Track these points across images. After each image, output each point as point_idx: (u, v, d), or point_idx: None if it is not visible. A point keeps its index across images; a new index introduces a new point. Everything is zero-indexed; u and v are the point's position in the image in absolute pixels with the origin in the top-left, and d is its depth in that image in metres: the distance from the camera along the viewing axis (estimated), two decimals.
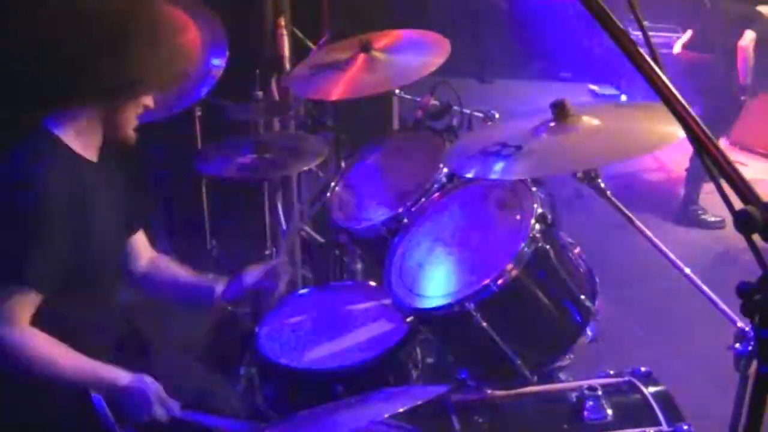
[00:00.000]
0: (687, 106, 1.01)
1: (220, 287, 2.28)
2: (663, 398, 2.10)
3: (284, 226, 3.58)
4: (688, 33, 5.20)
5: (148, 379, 1.93)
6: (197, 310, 2.35)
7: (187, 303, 2.36)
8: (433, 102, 2.90)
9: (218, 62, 3.10)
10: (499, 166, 2.01)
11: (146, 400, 1.90)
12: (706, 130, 1.00)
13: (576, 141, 2.04)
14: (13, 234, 1.82)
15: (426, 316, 2.09)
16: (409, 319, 2.11)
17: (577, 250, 2.23)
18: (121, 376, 1.91)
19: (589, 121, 2.06)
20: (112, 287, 2.13)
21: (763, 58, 5.10)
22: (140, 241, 2.29)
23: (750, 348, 1.80)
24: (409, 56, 2.81)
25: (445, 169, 2.47)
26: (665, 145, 1.90)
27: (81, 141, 1.94)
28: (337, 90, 2.75)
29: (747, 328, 1.84)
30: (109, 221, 2.03)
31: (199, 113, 3.21)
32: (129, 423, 1.93)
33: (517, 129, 2.17)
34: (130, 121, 1.99)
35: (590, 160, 2.07)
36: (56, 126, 1.90)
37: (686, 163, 4.91)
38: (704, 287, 2.06)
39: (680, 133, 1.71)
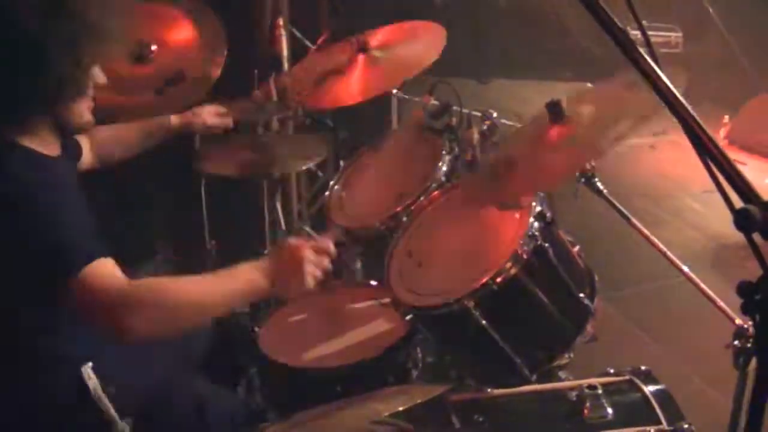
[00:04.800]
0: (687, 105, 1.01)
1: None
2: (663, 397, 2.10)
3: (283, 226, 3.58)
4: None
5: (285, 257, 1.92)
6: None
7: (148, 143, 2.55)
8: (433, 102, 2.91)
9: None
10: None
11: (298, 278, 1.90)
12: (706, 129, 1.01)
13: (578, 136, 2.05)
14: (46, 231, 1.75)
15: (425, 314, 2.09)
16: (408, 318, 2.11)
17: (576, 249, 2.24)
18: (260, 283, 1.87)
19: (584, 112, 2.07)
20: None
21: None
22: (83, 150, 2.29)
23: (748, 345, 1.81)
24: (406, 48, 2.81)
25: (444, 168, 2.47)
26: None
27: (42, 142, 1.88)
28: (342, 97, 2.76)
29: (746, 326, 1.85)
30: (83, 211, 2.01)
31: None
32: (129, 414, 1.94)
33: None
34: (83, 109, 1.91)
35: (590, 155, 2.08)
36: (9, 132, 1.84)
37: (685, 162, 4.90)
38: (703, 285, 2.07)
39: None
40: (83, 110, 1.92)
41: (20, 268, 1.80)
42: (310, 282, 1.90)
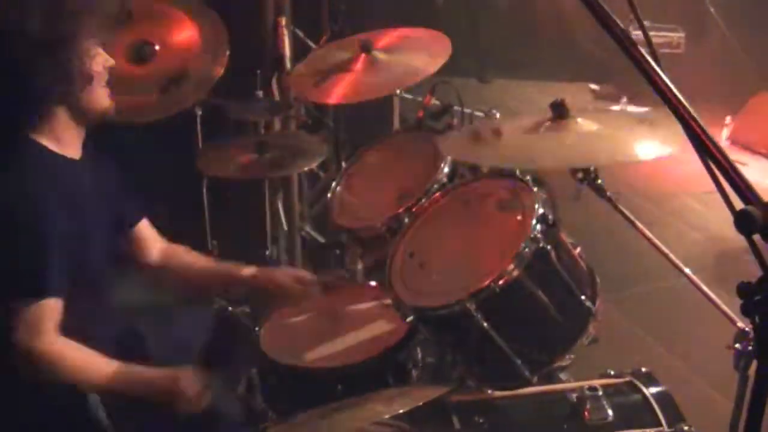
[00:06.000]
0: (688, 106, 1.01)
1: (246, 269, 2.31)
2: (663, 399, 2.09)
3: (285, 227, 3.59)
4: None
5: (182, 379, 1.95)
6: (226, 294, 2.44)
7: (210, 291, 2.43)
8: (434, 102, 2.91)
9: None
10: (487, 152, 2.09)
11: (176, 400, 1.94)
12: (707, 130, 1.00)
13: (571, 140, 2.06)
14: (16, 248, 1.80)
15: (426, 315, 2.09)
16: (409, 319, 2.11)
17: (578, 251, 2.23)
18: (155, 381, 1.94)
19: (587, 123, 2.08)
20: (108, 286, 2.12)
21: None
22: (146, 232, 2.28)
23: (750, 348, 1.80)
24: (410, 55, 2.81)
25: (446, 169, 2.47)
26: (656, 156, 1.92)
27: (61, 140, 1.90)
28: (339, 92, 2.75)
29: (747, 328, 1.84)
30: (100, 217, 2.03)
31: (199, 113, 3.21)
32: (125, 424, 1.94)
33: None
34: (100, 94, 1.93)
35: (583, 158, 2.09)
36: (34, 130, 1.87)
37: (685, 163, 4.88)
38: (704, 287, 2.06)
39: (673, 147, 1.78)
40: (100, 96, 1.93)
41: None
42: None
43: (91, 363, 1.90)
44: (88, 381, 1.90)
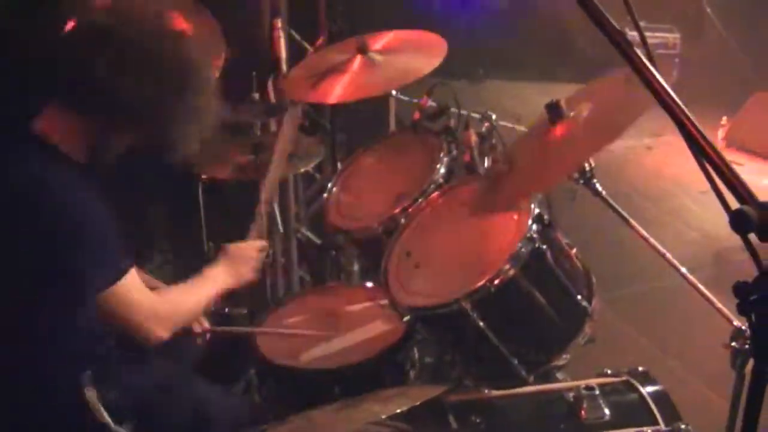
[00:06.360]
0: (683, 107, 1.01)
1: None
2: (660, 397, 2.10)
3: (281, 228, 3.58)
4: None
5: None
6: None
7: None
8: (431, 103, 2.90)
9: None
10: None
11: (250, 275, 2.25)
12: (701, 129, 1.01)
13: (576, 136, 2.06)
14: (72, 239, 1.80)
15: (423, 315, 2.09)
16: (406, 319, 2.11)
17: (574, 251, 2.24)
18: (229, 284, 2.18)
19: (583, 109, 2.10)
20: None
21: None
22: None
23: (746, 346, 1.81)
24: (406, 57, 2.82)
25: (442, 170, 2.47)
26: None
27: (69, 143, 1.87)
28: (335, 93, 2.75)
29: (743, 327, 1.85)
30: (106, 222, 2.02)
31: None
32: (125, 421, 1.93)
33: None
34: (120, 143, 1.94)
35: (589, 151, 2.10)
36: (44, 125, 1.84)
37: (682, 163, 4.89)
38: (701, 286, 2.07)
39: None
40: (120, 144, 1.95)
41: (37, 279, 1.80)
42: (256, 276, 2.27)
43: (192, 293, 2.10)
44: (199, 309, 2.12)
